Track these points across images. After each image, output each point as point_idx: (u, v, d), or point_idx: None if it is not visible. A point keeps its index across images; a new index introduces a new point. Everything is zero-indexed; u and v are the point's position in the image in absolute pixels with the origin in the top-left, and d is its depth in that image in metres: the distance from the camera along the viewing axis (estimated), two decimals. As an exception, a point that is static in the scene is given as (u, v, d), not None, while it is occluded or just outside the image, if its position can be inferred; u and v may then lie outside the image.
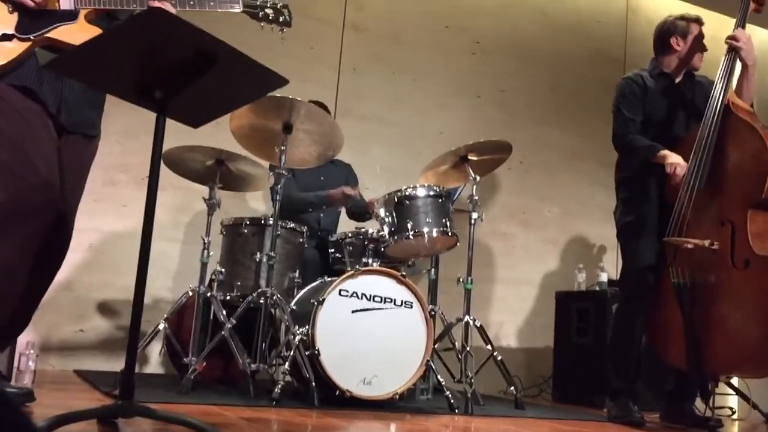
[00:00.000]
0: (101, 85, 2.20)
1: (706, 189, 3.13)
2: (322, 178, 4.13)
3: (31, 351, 2.90)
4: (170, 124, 2.01)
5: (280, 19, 2.53)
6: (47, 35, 2.23)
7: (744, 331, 2.97)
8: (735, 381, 4.44)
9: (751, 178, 3.07)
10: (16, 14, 2.20)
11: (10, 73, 2.20)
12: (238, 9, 2.48)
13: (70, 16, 2.27)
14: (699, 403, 3.44)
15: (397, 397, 3.11)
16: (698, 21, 3.42)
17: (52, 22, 2.24)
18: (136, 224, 4.14)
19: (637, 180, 3.36)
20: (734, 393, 4.49)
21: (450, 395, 3.20)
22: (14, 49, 2.19)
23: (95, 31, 2.29)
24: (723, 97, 3.19)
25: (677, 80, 3.44)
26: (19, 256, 2.17)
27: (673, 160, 3.18)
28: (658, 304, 3.27)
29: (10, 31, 2.19)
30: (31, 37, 2.21)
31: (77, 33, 2.26)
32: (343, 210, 4.27)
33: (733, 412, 4.56)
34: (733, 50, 3.24)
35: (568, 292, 4.82)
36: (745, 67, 3.24)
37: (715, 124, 3.16)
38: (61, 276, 3.97)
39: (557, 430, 2.98)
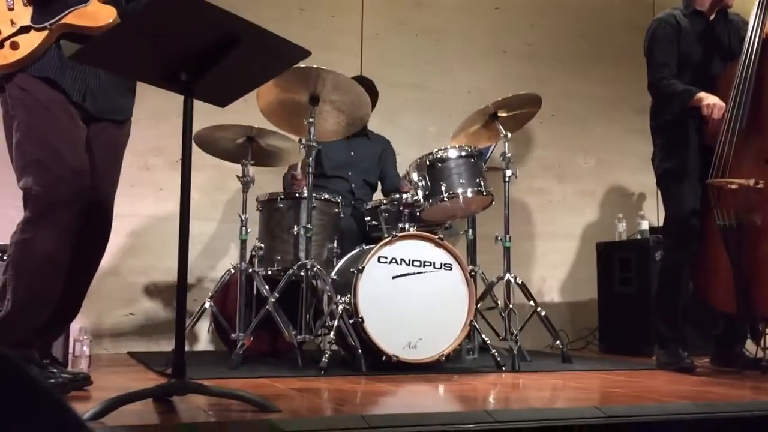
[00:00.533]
0: (127, 72, 2.22)
1: (747, 128, 3.05)
2: (352, 153, 4.10)
3: (85, 337, 2.99)
4: (198, 104, 2.02)
5: None
6: (62, 21, 2.25)
7: (794, 269, 2.91)
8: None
9: None
10: (30, 7, 2.23)
11: (32, 64, 2.23)
12: None
13: None
14: (750, 346, 3.40)
15: (444, 358, 3.13)
16: None
17: (65, 7, 2.26)
18: (174, 206, 4.19)
19: (675, 124, 3.28)
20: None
21: (496, 353, 3.21)
22: (33, 40, 2.22)
23: (109, 10, 2.31)
24: (760, 32, 3.10)
25: (711, 18, 3.33)
26: (59, 245, 2.22)
27: (710, 101, 3.10)
28: (704, 248, 3.23)
29: (27, 23, 2.22)
30: (47, 26, 2.23)
31: (92, 14, 2.28)
32: (379, 184, 4.24)
33: (786, 352, 4.50)
34: None
35: (608, 242, 4.77)
36: None
37: (754, 61, 3.07)
38: (106, 262, 4.05)
39: (607, 380, 2.97)
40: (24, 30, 2.22)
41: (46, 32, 2.24)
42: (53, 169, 2.20)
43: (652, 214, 5.07)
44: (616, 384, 2.83)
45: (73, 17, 2.26)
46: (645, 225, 4.73)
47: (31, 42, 2.22)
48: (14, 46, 2.20)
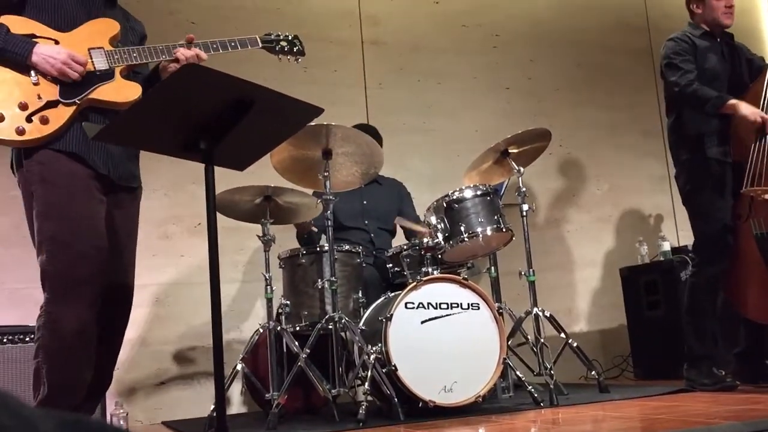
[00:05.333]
0: (149, 146, 2.27)
1: None
2: (364, 202, 4.10)
3: (121, 410, 2.98)
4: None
5: (295, 49, 2.74)
6: (90, 96, 2.32)
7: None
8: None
9: None
10: (56, 83, 2.30)
11: (57, 140, 2.28)
12: (258, 46, 2.63)
13: (106, 75, 2.38)
14: None
15: (481, 399, 3.11)
16: None
17: (92, 83, 2.35)
18: (195, 272, 4.25)
19: (698, 140, 3.31)
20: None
21: (532, 389, 3.18)
22: (61, 114, 2.29)
23: (132, 86, 2.40)
24: None
25: (718, 39, 3.45)
26: (85, 321, 2.24)
27: (750, 109, 3.14)
28: (736, 260, 3.24)
29: (55, 98, 2.29)
30: (76, 101, 2.30)
31: (116, 90, 2.38)
32: (400, 230, 4.23)
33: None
34: None
35: (632, 266, 4.75)
36: None
37: None
38: (134, 333, 4.07)
39: (648, 407, 2.93)
40: (51, 105, 2.28)
41: (74, 107, 2.30)
42: (73, 245, 2.22)
43: (672, 235, 5.05)
44: (658, 410, 2.79)
45: (100, 93, 2.34)
46: (667, 246, 4.71)
47: (60, 116, 2.28)
48: (43, 121, 2.25)
